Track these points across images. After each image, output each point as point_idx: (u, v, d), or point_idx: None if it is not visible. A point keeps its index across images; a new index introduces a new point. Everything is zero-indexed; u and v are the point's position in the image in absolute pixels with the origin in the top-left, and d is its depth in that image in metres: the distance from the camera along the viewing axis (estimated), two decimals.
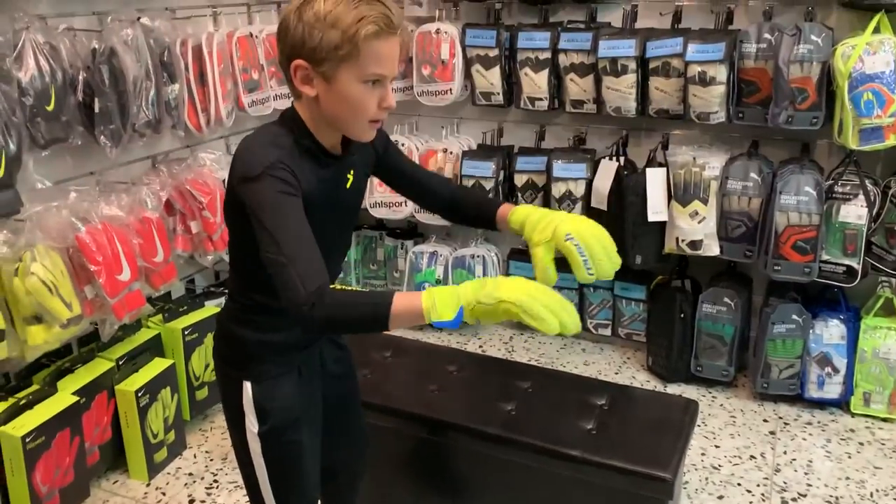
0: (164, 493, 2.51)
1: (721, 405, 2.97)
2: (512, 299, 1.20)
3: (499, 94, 3.16)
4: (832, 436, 2.77)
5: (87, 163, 2.49)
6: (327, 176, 1.43)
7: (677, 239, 2.89)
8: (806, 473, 2.57)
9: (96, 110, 2.33)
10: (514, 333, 3.56)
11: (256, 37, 3.03)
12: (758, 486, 2.51)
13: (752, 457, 2.66)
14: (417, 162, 3.31)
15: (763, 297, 2.99)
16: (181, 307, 2.81)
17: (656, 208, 2.89)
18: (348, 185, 1.51)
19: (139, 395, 2.48)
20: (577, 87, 3.00)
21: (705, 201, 2.83)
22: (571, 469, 2.03)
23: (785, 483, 2.52)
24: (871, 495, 2.45)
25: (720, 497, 2.46)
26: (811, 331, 2.81)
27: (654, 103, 2.89)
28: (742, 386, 3.09)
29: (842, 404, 2.90)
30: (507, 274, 3.45)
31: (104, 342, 2.49)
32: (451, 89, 3.20)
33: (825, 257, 2.72)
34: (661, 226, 2.93)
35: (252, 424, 1.52)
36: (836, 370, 2.82)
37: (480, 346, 3.44)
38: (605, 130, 3.17)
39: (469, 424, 2.16)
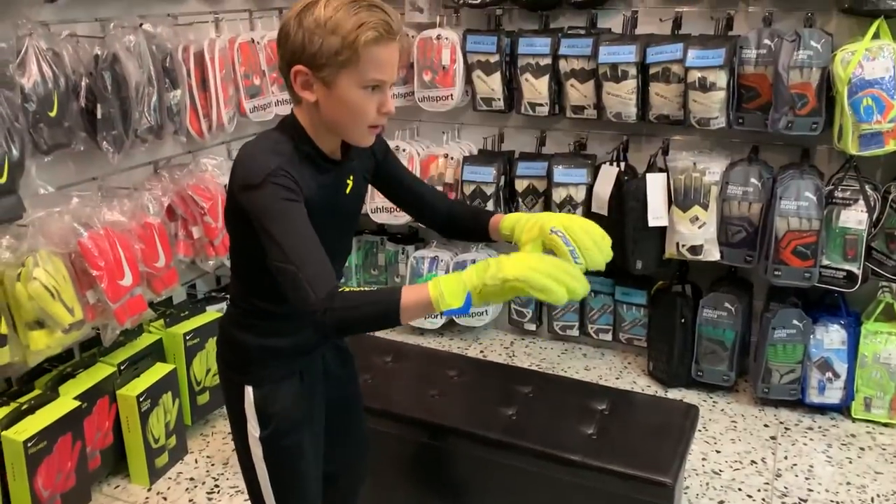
0: (165, 498, 2.51)
1: (722, 410, 2.97)
2: (516, 276, 1.21)
3: (500, 99, 3.17)
4: (833, 441, 2.77)
5: (89, 168, 2.50)
6: (327, 182, 1.43)
7: (678, 244, 2.90)
8: (807, 478, 2.56)
9: (99, 116, 2.34)
10: (515, 338, 3.57)
11: (258, 43, 3.04)
12: (759, 491, 2.51)
13: (753, 462, 2.66)
14: (419, 167, 3.32)
15: (764, 302, 2.99)
16: (182, 312, 2.82)
17: (657, 213, 2.90)
18: (348, 191, 1.52)
19: (140, 399, 2.48)
20: (578, 92, 3.01)
21: (706, 206, 2.83)
22: (572, 474, 2.03)
23: (786, 488, 2.52)
24: (872, 500, 2.45)
25: (721, 502, 2.46)
26: (812, 336, 2.81)
27: (655, 109, 2.90)
28: (743, 391, 3.09)
29: (843, 409, 2.90)
30: None
31: (106, 347, 2.50)
32: (452, 95, 3.21)
33: (825, 262, 2.73)
34: (662, 231, 2.94)
35: (254, 429, 1.52)
36: (836, 375, 2.82)
37: (481, 352, 3.44)
38: (606, 136, 3.18)
39: (470, 429, 2.17)
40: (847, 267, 2.71)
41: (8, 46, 2.08)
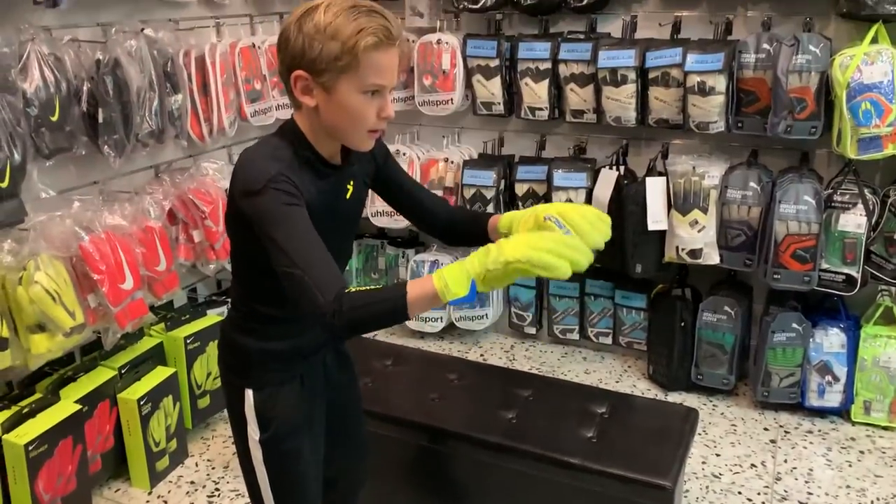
0: (165, 502, 2.51)
1: (722, 414, 2.97)
2: (517, 257, 1.21)
3: (499, 103, 3.18)
4: (833, 444, 2.77)
5: (90, 172, 2.51)
6: (327, 187, 1.44)
7: (677, 248, 2.90)
8: (807, 482, 2.57)
9: (100, 120, 2.35)
10: (515, 342, 3.57)
11: (259, 47, 3.06)
12: (758, 494, 2.51)
13: (753, 465, 2.66)
14: (419, 171, 3.33)
15: (763, 306, 2.99)
16: (183, 316, 2.83)
17: (656, 217, 2.90)
18: (348, 196, 1.53)
19: (141, 403, 2.49)
20: (578, 96, 3.02)
21: (705, 210, 2.84)
22: (572, 477, 2.03)
23: (786, 491, 2.52)
24: None
25: None
26: (811, 339, 2.81)
27: (654, 113, 2.91)
28: (742, 394, 3.09)
29: (842, 413, 2.90)
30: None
31: (107, 351, 2.51)
32: (452, 99, 3.22)
33: (824, 266, 2.73)
34: (661, 235, 2.95)
35: (254, 432, 1.53)
36: (836, 379, 2.82)
37: (482, 355, 3.45)
38: (606, 140, 3.19)
39: (470, 433, 2.17)
40: (846, 270, 2.71)
41: (10, 51, 2.09)
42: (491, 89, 3.16)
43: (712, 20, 2.90)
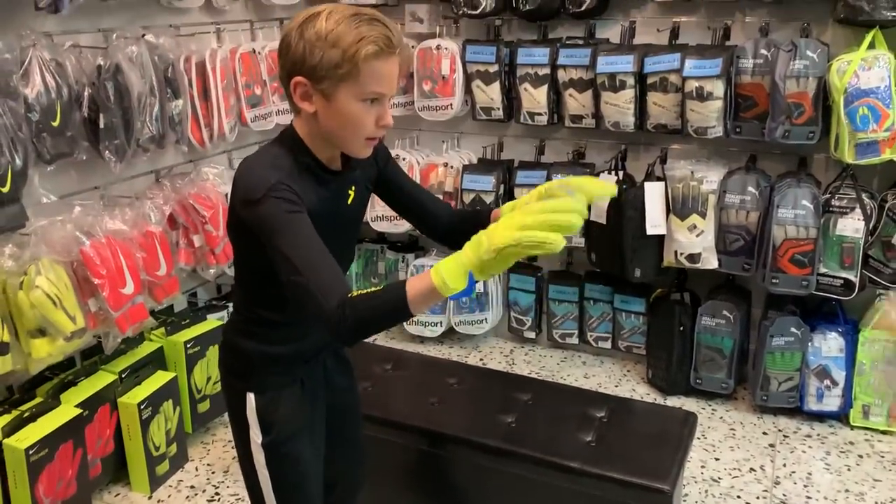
0: None
1: (720, 418, 2.98)
2: (506, 243, 1.18)
3: (499, 109, 3.19)
4: (831, 448, 2.77)
5: (91, 177, 2.52)
6: (328, 193, 1.45)
7: (676, 252, 2.91)
8: (805, 486, 2.57)
9: (101, 126, 2.36)
10: (515, 346, 3.58)
11: (259, 53, 3.07)
12: (757, 498, 2.51)
13: (752, 469, 2.66)
14: (418, 175, 3.33)
15: (762, 310, 3.00)
16: (184, 320, 2.83)
17: (655, 222, 2.91)
18: (350, 201, 1.54)
19: (141, 407, 2.49)
20: (576, 102, 3.03)
21: (703, 215, 2.85)
22: (571, 481, 2.04)
23: (784, 496, 2.53)
24: None
25: None
26: (810, 343, 2.82)
27: (653, 118, 2.92)
28: (741, 398, 3.10)
29: (841, 417, 2.91)
30: (508, 288, 3.47)
31: (107, 355, 2.51)
32: (451, 104, 3.23)
33: (823, 270, 2.74)
34: (660, 239, 2.95)
35: (256, 435, 1.54)
36: (834, 383, 2.83)
37: (481, 359, 3.45)
38: (604, 145, 3.20)
39: (469, 437, 2.18)
40: (844, 275, 2.72)
41: (12, 57, 2.10)
42: (490, 94, 3.17)
43: (710, 26, 2.92)
